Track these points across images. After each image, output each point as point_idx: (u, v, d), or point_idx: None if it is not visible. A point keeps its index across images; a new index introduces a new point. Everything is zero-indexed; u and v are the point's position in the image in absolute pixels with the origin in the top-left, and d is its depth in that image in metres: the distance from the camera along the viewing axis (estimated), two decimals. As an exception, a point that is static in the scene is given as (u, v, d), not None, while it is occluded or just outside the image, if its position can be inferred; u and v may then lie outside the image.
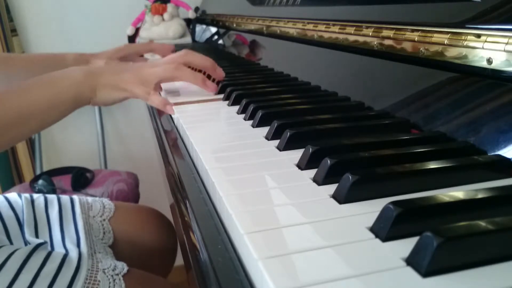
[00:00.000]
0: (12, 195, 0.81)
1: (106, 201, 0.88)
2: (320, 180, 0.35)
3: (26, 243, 0.72)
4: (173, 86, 0.80)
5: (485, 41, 0.39)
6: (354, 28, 0.60)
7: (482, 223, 0.24)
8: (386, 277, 0.24)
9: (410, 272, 0.24)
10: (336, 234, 0.28)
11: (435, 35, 0.45)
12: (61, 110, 0.63)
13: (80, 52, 0.88)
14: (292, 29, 0.81)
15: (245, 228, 0.29)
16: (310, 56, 0.75)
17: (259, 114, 0.52)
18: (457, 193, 0.29)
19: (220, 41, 1.33)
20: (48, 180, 1.31)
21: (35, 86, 0.61)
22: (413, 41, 0.48)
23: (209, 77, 0.76)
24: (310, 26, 0.73)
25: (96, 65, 0.86)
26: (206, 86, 0.71)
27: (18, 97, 0.59)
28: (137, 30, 1.51)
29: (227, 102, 0.66)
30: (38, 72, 0.74)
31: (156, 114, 0.71)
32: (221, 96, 0.70)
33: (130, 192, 1.33)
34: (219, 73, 0.75)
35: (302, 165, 0.39)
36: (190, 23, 1.54)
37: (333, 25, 0.66)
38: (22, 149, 1.62)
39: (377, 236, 0.27)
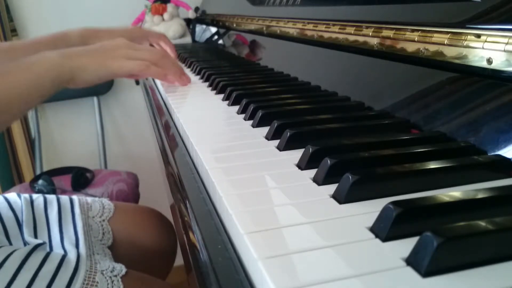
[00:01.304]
0: (12, 195, 0.81)
1: (105, 201, 0.88)
2: (320, 180, 0.35)
3: (25, 243, 0.72)
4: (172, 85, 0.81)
5: (485, 41, 0.39)
6: (354, 28, 0.60)
7: (482, 223, 0.24)
8: (386, 277, 0.24)
9: (410, 272, 0.24)
10: (336, 234, 0.28)
11: (435, 35, 0.45)
12: (41, 93, 0.63)
13: (85, 27, 0.88)
14: (292, 29, 0.81)
15: (245, 228, 0.29)
16: (310, 56, 0.75)
17: (259, 114, 0.52)
18: (457, 193, 0.29)
19: (220, 41, 1.33)
20: (48, 180, 1.31)
21: (13, 71, 0.61)
22: (413, 41, 0.48)
23: None
24: (310, 26, 0.73)
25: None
26: (182, 80, 0.77)
27: None
28: (137, 30, 1.51)
29: (227, 102, 0.66)
30: None
31: (156, 113, 0.71)
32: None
33: (130, 192, 1.33)
34: (187, 80, 0.80)
35: (302, 165, 0.39)
36: (190, 23, 1.54)
37: (333, 25, 0.66)
38: (22, 149, 1.62)
39: (377, 236, 0.27)
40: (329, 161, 0.35)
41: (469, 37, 0.41)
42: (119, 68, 0.68)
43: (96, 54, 0.67)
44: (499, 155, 0.36)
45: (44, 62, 0.63)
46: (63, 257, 0.66)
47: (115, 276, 0.66)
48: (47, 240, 0.74)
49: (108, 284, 0.64)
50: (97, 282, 0.64)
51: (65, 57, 0.65)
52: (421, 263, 0.23)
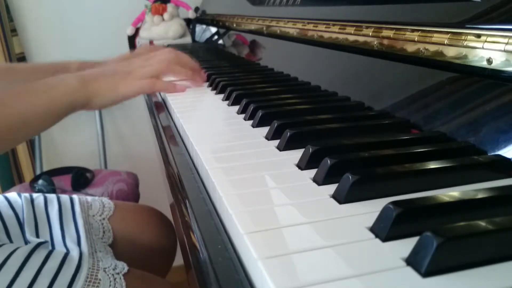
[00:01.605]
0: (12, 195, 0.81)
1: (105, 200, 0.88)
2: (320, 180, 0.35)
3: (26, 242, 0.72)
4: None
5: (485, 41, 0.39)
6: (354, 28, 0.60)
7: (482, 223, 0.24)
8: (386, 277, 0.24)
9: (410, 272, 0.24)
10: (336, 234, 0.28)
11: (435, 35, 0.45)
12: (57, 115, 0.65)
13: (83, 61, 0.89)
14: (292, 29, 0.81)
15: (245, 228, 0.29)
16: (310, 56, 0.75)
17: (259, 114, 0.52)
18: (457, 193, 0.29)
19: (220, 41, 1.33)
20: (48, 180, 1.31)
21: (32, 92, 0.63)
22: (413, 41, 0.48)
23: None
24: (310, 26, 0.73)
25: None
26: (196, 81, 0.78)
27: (16, 101, 0.61)
28: (137, 30, 1.51)
29: (227, 102, 0.66)
30: None
31: (156, 114, 0.71)
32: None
33: (130, 192, 1.33)
34: (204, 77, 0.82)
35: (302, 165, 0.39)
36: (190, 23, 1.54)
37: (333, 25, 0.66)
38: (22, 149, 1.62)
39: (377, 236, 0.27)
40: (329, 161, 0.35)
41: (469, 37, 0.41)
42: (129, 92, 0.69)
43: (108, 79, 0.69)
44: (499, 155, 0.36)
45: (62, 85, 0.65)
46: (66, 255, 0.66)
47: (118, 274, 0.66)
48: (48, 239, 0.74)
49: (110, 281, 0.64)
50: (100, 280, 0.64)
51: (82, 82, 0.66)
52: (421, 263, 0.23)
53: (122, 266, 0.68)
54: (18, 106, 0.60)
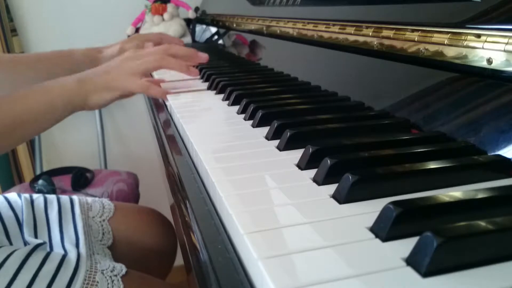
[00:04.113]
0: (12, 195, 0.81)
1: (105, 201, 0.88)
2: (320, 180, 0.35)
3: (25, 243, 0.72)
4: (172, 85, 0.80)
5: (485, 41, 0.39)
6: (354, 28, 0.60)
7: (482, 223, 0.24)
8: (386, 277, 0.24)
9: (410, 272, 0.24)
10: (336, 234, 0.28)
11: (435, 35, 0.45)
12: (55, 117, 0.66)
13: (88, 47, 0.89)
14: (292, 29, 0.81)
15: (245, 228, 0.29)
16: (310, 56, 0.75)
17: (259, 114, 0.52)
18: (457, 193, 0.29)
19: (220, 41, 1.33)
20: (48, 180, 1.31)
21: (30, 94, 0.64)
22: (413, 41, 0.48)
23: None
24: (310, 26, 0.73)
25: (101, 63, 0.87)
26: (190, 72, 0.76)
27: (14, 104, 0.62)
28: (137, 30, 1.51)
29: (227, 102, 0.66)
30: (45, 70, 0.77)
31: (156, 113, 0.71)
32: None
33: (130, 192, 1.33)
34: (203, 57, 0.80)
35: (302, 165, 0.39)
36: (190, 23, 1.54)
37: (333, 25, 0.66)
38: (22, 149, 1.62)
39: (377, 236, 0.27)
40: (329, 161, 0.35)
41: (469, 37, 0.41)
42: (123, 90, 0.70)
43: (103, 77, 0.69)
44: (499, 155, 0.36)
45: (58, 87, 0.66)
46: (63, 257, 0.66)
47: (115, 275, 0.66)
48: (47, 240, 0.74)
49: (108, 283, 0.64)
50: (97, 282, 0.64)
51: (78, 83, 0.67)
52: (421, 263, 0.23)
53: (120, 268, 0.68)
54: (15, 109, 0.61)
